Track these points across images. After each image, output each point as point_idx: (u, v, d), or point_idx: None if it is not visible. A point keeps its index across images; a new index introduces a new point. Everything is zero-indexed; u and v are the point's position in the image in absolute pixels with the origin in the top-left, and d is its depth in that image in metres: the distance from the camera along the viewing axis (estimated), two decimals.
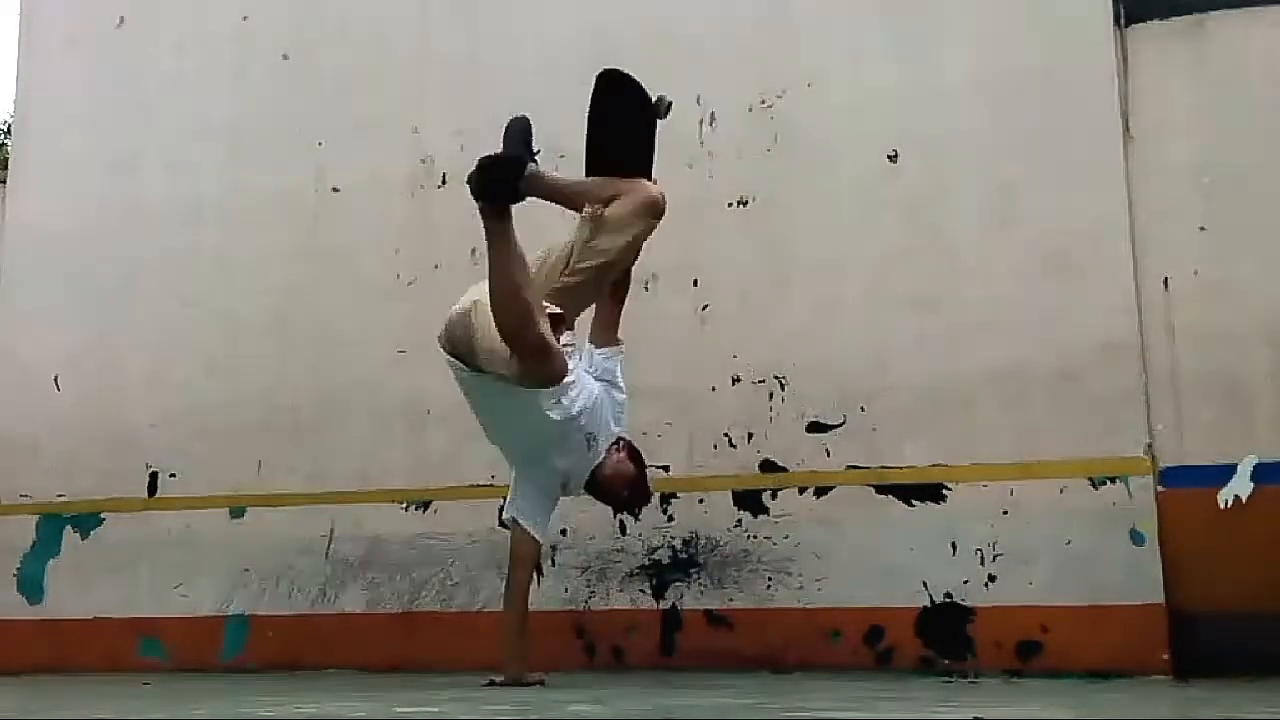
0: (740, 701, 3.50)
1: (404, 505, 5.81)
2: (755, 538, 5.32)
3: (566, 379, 4.10)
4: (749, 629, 5.25)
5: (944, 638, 5.05)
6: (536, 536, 4.26)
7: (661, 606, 5.38)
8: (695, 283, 5.61)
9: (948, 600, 5.07)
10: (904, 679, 4.68)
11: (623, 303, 4.47)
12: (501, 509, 5.61)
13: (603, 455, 4.21)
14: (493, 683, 4.29)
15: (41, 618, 6.19)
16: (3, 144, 13.87)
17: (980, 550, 5.08)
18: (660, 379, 5.41)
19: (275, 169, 6.29)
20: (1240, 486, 4.91)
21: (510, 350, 3.98)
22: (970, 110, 5.42)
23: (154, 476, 6.17)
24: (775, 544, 5.30)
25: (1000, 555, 5.05)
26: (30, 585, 6.25)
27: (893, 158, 5.47)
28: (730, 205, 5.63)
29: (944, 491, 5.16)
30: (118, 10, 6.71)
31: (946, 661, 5.01)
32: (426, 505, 5.77)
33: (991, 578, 5.04)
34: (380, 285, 6.04)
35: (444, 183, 6.03)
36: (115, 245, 6.46)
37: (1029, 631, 4.96)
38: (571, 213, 4.42)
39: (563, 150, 5.86)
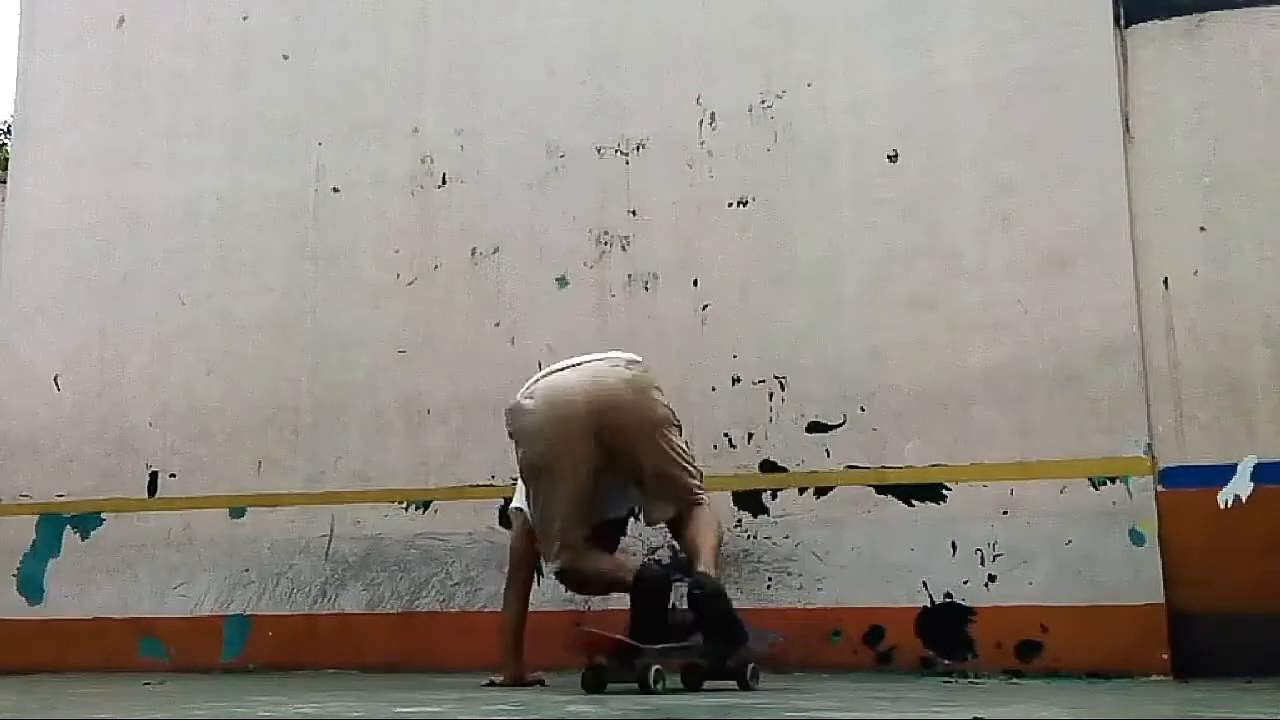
0: (740, 701, 3.50)
1: (404, 505, 5.81)
2: (755, 538, 5.32)
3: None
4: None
5: (944, 638, 5.04)
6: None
7: None
8: (695, 283, 5.62)
9: (948, 600, 5.07)
10: (904, 679, 4.68)
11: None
12: (501, 509, 5.65)
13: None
14: (492, 683, 4.30)
15: (41, 618, 6.19)
16: (3, 144, 13.87)
17: (980, 550, 5.07)
18: (660, 379, 5.41)
19: (275, 169, 6.29)
20: (1240, 486, 4.91)
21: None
22: (970, 110, 5.42)
23: (154, 476, 6.18)
24: (775, 544, 5.30)
25: (1000, 555, 5.05)
26: (30, 585, 6.25)
27: (893, 158, 5.47)
28: (730, 205, 5.63)
29: (944, 491, 5.16)
30: (118, 9, 6.71)
31: (946, 661, 5.01)
32: (426, 505, 5.77)
33: (991, 578, 5.04)
34: (380, 285, 6.04)
35: (444, 183, 6.04)
36: (115, 245, 6.47)
37: (1029, 631, 4.96)
38: None
39: (562, 150, 5.90)
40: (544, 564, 4.29)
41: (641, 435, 4.16)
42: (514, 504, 4.50)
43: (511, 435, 4.28)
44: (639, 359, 4.28)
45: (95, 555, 6.18)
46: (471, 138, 6.05)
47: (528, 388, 4.25)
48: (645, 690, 3.65)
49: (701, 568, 4.01)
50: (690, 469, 4.25)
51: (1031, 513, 5.04)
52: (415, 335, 5.94)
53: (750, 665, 4.00)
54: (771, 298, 5.52)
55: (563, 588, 5.39)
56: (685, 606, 3.92)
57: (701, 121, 5.73)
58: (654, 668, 3.70)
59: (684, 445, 4.30)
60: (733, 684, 3.97)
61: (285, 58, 6.41)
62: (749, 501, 5.36)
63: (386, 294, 6.02)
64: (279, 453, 6.02)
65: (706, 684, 3.99)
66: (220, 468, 6.08)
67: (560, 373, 4.24)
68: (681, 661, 3.95)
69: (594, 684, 3.80)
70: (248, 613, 5.92)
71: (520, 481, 4.39)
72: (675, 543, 5.31)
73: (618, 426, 4.12)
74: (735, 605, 5.07)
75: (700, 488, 4.25)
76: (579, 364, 4.25)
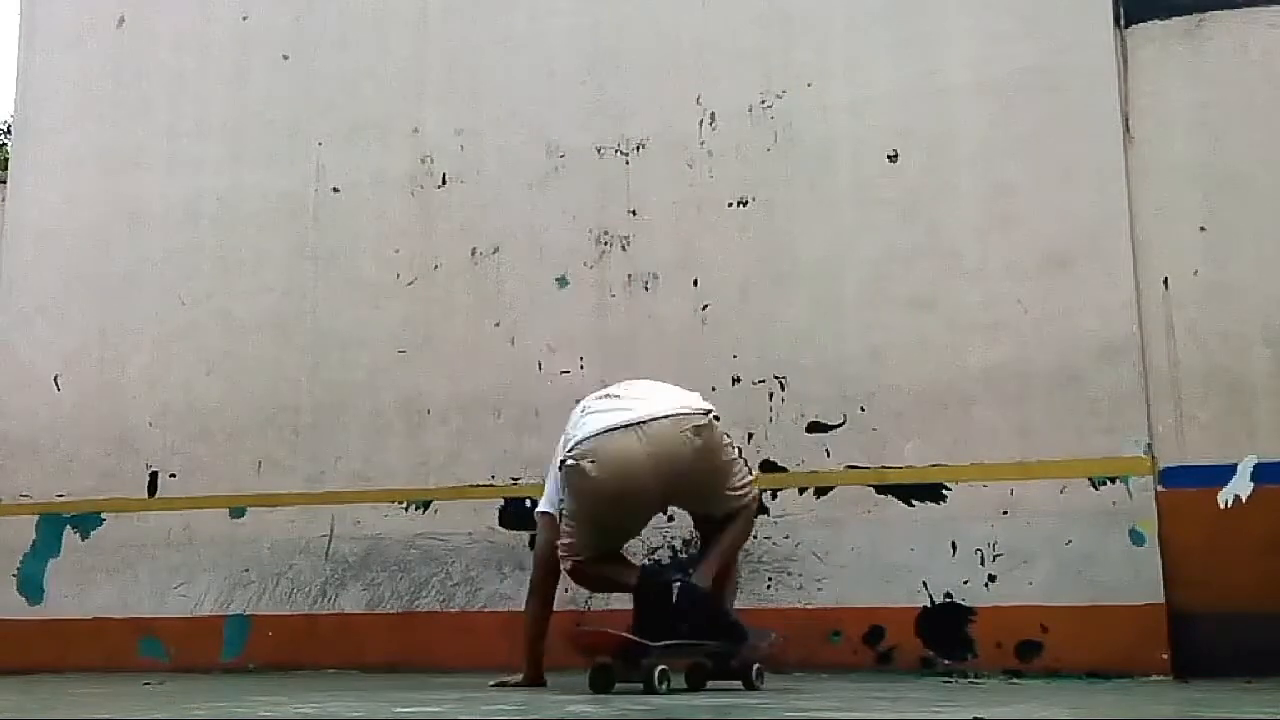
0: (741, 701, 3.50)
1: (404, 505, 5.81)
2: (755, 538, 5.28)
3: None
4: None
5: (944, 638, 5.04)
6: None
7: None
8: (695, 283, 5.62)
9: (948, 600, 5.07)
10: (904, 679, 4.68)
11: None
12: (501, 509, 5.66)
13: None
14: (503, 684, 4.29)
15: (41, 618, 6.19)
16: (3, 144, 13.88)
17: (980, 550, 5.07)
18: (660, 379, 5.41)
19: (275, 169, 6.29)
20: (1240, 486, 4.91)
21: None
22: (970, 110, 5.42)
23: (154, 476, 6.17)
24: (775, 544, 5.30)
25: (1000, 555, 5.05)
26: (30, 585, 6.25)
27: (893, 158, 5.47)
28: (730, 205, 5.63)
29: (944, 491, 5.16)
30: (118, 10, 6.71)
31: (946, 661, 5.01)
32: (426, 505, 5.77)
33: (991, 578, 5.04)
34: (380, 285, 6.04)
35: (444, 183, 6.03)
36: (115, 245, 6.47)
37: (1029, 631, 4.96)
38: None
39: (562, 150, 5.90)
40: (560, 553, 4.22)
41: (710, 497, 4.16)
42: (541, 506, 4.43)
43: (567, 484, 4.13)
44: (704, 408, 4.11)
45: (95, 555, 6.18)
46: (471, 138, 6.05)
47: (585, 440, 4.04)
48: (650, 690, 3.65)
49: (700, 570, 4.02)
50: (743, 491, 4.20)
51: (1031, 513, 5.04)
52: (415, 335, 5.94)
53: (755, 665, 4.00)
54: (771, 298, 5.52)
55: (564, 589, 5.43)
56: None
57: (701, 121, 5.73)
58: (659, 668, 3.70)
59: (741, 469, 4.22)
60: (737, 684, 3.98)
61: (285, 58, 6.41)
62: None
63: (386, 294, 6.02)
64: (279, 453, 6.02)
65: (710, 684, 3.99)
66: (220, 468, 6.08)
67: (621, 432, 4.01)
68: (686, 662, 3.95)
69: (601, 684, 3.80)
70: (248, 613, 5.92)
71: (549, 483, 4.35)
72: (674, 544, 5.34)
73: (687, 494, 4.17)
74: (735, 605, 5.08)
75: (750, 495, 4.22)
76: (642, 422, 4.01)
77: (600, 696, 3.66)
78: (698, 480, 4.09)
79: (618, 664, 3.80)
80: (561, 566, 4.22)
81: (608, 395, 4.24)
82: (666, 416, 4.06)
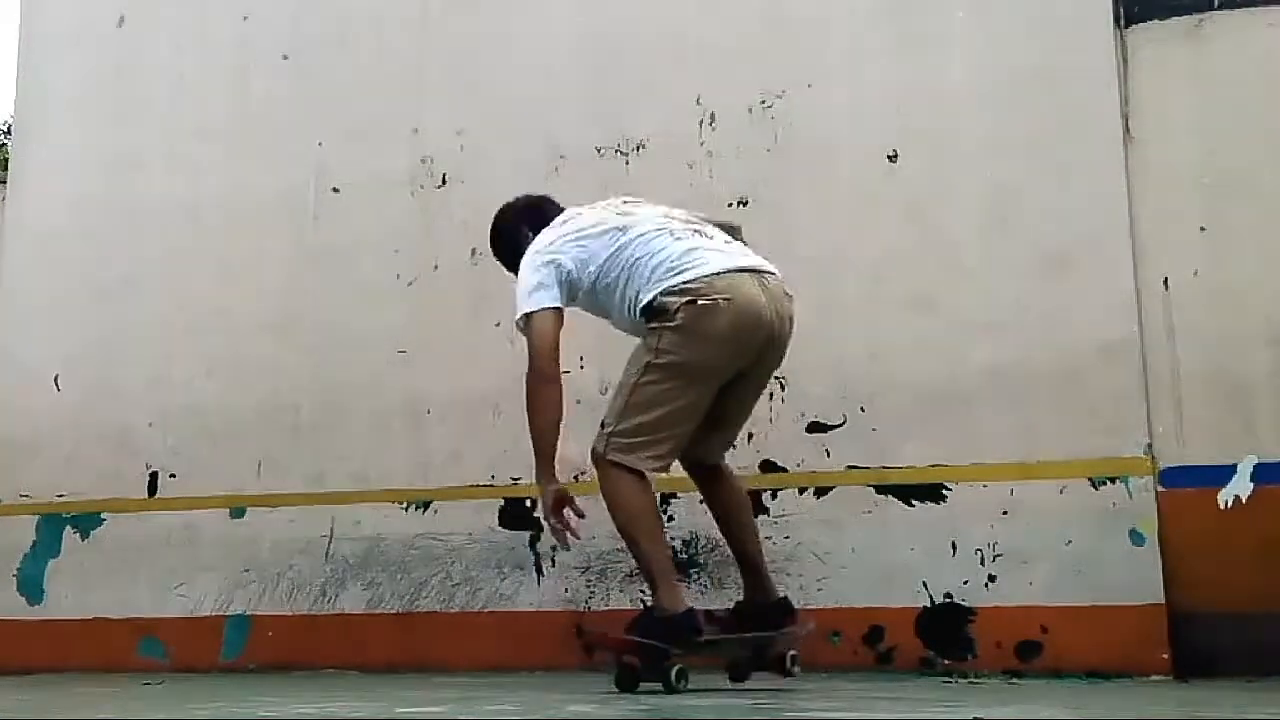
0: (740, 702, 3.50)
1: (404, 505, 5.81)
2: None
3: None
4: None
5: (944, 638, 5.04)
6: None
7: None
8: None
9: (948, 600, 5.06)
10: (904, 679, 4.68)
11: None
12: (501, 509, 5.66)
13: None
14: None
15: (41, 618, 6.19)
16: (3, 144, 13.88)
17: (980, 550, 5.07)
18: None
19: (275, 169, 6.29)
20: (1240, 487, 4.91)
21: None
22: (970, 110, 5.41)
23: (154, 476, 6.17)
24: (775, 544, 5.29)
25: (1000, 555, 5.05)
26: (30, 585, 6.25)
27: (893, 158, 5.47)
28: (730, 205, 5.63)
29: (944, 491, 5.16)
30: (118, 10, 6.71)
31: (946, 661, 5.01)
32: (426, 505, 5.77)
33: (991, 578, 5.04)
34: (380, 285, 6.03)
35: (444, 183, 6.03)
36: (115, 245, 6.46)
37: (1029, 632, 4.95)
38: None
39: (562, 150, 5.90)
40: (610, 444, 3.73)
41: (770, 372, 4.01)
42: (546, 303, 3.80)
43: (674, 316, 3.67)
44: None
45: (95, 555, 6.17)
46: (471, 138, 6.05)
47: (709, 276, 3.65)
48: (670, 690, 3.66)
49: (766, 583, 4.01)
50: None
51: (1032, 513, 5.04)
52: (415, 335, 5.94)
53: (791, 653, 4.00)
54: None
55: (563, 589, 5.42)
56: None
57: (701, 121, 5.73)
58: (677, 667, 3.70)
59: None
60: (773, 676, 4.00)
61: (285, 58, 6.41)
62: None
63: (386, 294, 6.01)
64: (279, 453, 6.02)
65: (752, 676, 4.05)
66: (220, 468, 6.08)
67: (749, 275, 3.74)
68: (724, 659, 4.00)
69: (627, 684, 3.80)
70: (248, 613, 5.92)
71: (551, 272, 3.87)
72: (674, 545, 5.33)
73: (770, 358, 3.91)
74: (734, 604, 5.07)
75: None
76: (760, 271, 3.78)
77: (601, 696, 3.67)
78: (776, 357, 3.93)
79: (639, 665, 3.80)
80: (615, 458, 3.68)
81: (673, 218, 3.85)
82: (773, 274, 3.84)
